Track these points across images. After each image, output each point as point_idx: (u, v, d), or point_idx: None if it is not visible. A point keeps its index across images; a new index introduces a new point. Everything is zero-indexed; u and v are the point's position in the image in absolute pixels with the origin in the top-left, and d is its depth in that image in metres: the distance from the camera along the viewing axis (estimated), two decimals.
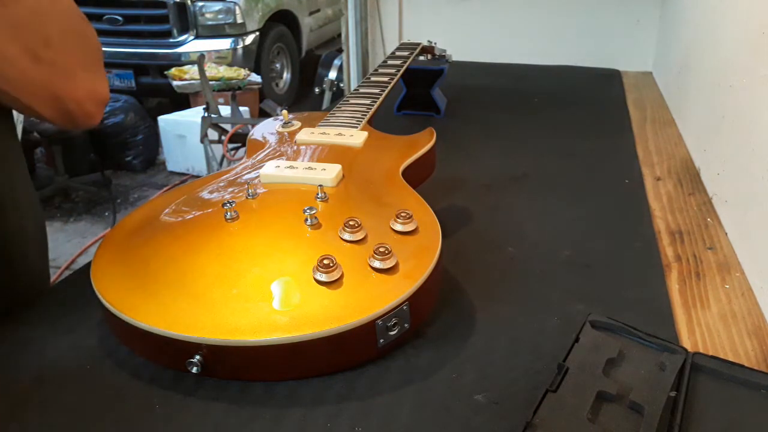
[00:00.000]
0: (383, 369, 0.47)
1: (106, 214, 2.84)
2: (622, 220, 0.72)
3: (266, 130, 0.76)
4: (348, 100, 0.82)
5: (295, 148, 0.69)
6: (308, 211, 0.52)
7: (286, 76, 4.28)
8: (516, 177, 0.84)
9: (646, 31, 1.47)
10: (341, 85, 2.83)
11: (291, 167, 0.61)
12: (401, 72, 0.93)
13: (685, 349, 0.45)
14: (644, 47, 1.48)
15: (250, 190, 0.57)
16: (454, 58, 1.16)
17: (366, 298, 0.45)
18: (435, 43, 1.11)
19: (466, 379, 0.46)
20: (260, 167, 0.62)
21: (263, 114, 3.33)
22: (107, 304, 0.47)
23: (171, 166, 3.24)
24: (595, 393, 0.41)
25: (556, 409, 0.40)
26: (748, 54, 0.71)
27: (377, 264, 0.47)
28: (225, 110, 2.57)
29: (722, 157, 0.76)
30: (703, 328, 0.53)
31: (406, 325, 0.47)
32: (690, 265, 0.63)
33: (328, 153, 0.67)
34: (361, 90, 0.85)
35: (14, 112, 0.52)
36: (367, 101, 0.81)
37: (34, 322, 0.53)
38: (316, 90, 3.25)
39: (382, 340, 0.46)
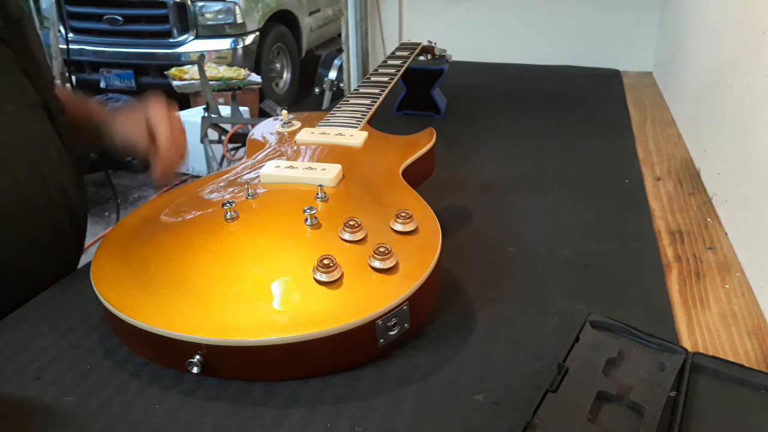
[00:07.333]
0: (383, 369, 0.47)
1: (106, 214, 2.84)
2: (622, 220, 0.72)
3: (266, 130, 0.76)
4: (348, 100, 0.82)
5: (295, 148, 0.69)
6: (308, 211, 0.52)
7: (286, 76, 4.28)
8: (516, 177, 0.84)
9: (646, 31, 1.47)
10: (341, 85, 2.83)
11: (291, 167, 0.61)
12: (401, 72, 0.93)
13: (685, 349, 0.45)
14: (644, 47, 1.48)
15: (250, 190, 0.57)
16: (454, 58, 1.16)
17: (366, 298, 0.45)
18: (435, 43, 1.11)
19: (466, 379, 0.46)
20: (260, 167, 0.62)
21: (263, 114, 3.33)
22: (107, 304, 0.47)
23: None
24: (595, 393, 0.41)
25: (556, 409, 0.40)
26: (748, 54, 0.71)
27: (377, 264, 0.47)
28: (225, 110, 2.57)
29: (722, 157, 0.76)
30: (703, 328, 0.53)
31: (406, 325, 0.47)
32: (690, 265, 0.63)
33: (328, 153, 0.67)
34: (361, 90, 0.85)
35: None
36: (367, 101, 0.81)
37: (34, 322, 0.53)
38: (316, 90, 3.24)
39: (382, 340, 0.46)
